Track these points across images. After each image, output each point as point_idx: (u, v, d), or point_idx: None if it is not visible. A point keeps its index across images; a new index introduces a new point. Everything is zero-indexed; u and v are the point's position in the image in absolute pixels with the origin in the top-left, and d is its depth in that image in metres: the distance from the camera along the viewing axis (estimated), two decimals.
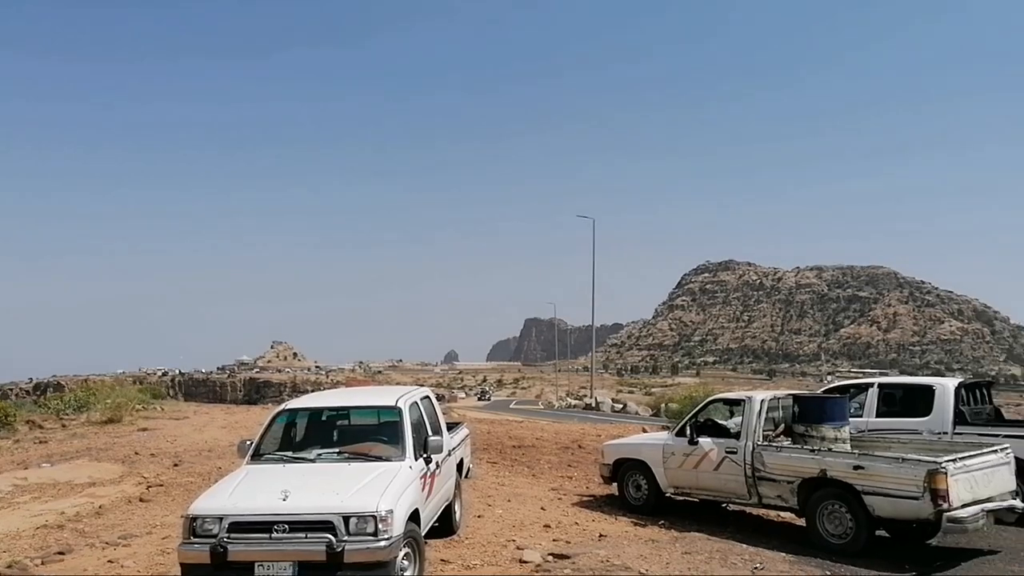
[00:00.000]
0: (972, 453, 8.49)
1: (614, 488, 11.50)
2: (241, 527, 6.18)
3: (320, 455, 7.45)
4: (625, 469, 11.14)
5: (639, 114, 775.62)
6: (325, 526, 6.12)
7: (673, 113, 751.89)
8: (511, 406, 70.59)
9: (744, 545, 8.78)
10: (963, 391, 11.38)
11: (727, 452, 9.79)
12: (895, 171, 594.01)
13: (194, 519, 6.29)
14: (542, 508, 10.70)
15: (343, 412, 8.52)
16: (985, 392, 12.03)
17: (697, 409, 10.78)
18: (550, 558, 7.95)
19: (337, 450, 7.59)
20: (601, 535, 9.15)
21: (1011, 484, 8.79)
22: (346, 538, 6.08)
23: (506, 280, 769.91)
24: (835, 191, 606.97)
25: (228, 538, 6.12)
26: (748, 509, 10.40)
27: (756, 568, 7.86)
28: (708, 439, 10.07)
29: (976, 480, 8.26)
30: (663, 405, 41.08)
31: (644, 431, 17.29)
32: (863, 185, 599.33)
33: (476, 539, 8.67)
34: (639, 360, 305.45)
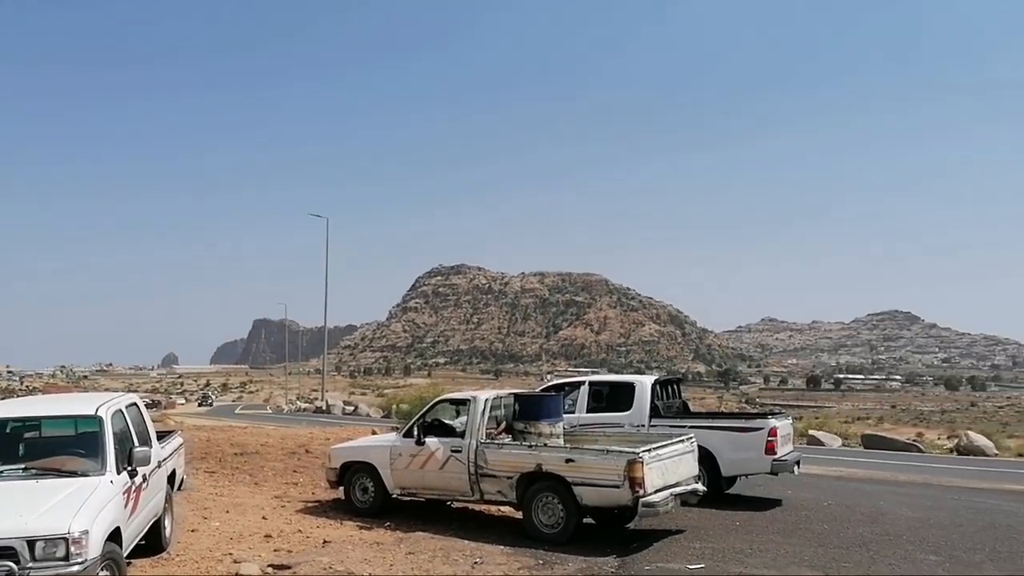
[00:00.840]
0: (663, 443, 9.45)
1: (341, 492, 11.35)
2: None
3: (2, 473, 6.57)
4: (352, 472, 11.04)
5: (380, 124, 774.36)
6: (5, 552, 5.42)
7: (405, 124, 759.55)
8: (236, 411, 67.11)
9: (466, 541, 9.09)
10: (658, 387, 12.72)
11: (452, 451, 10.05)
12: (603, 186, 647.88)
13: None
14: (264, 517, 10.27)
15: (32, 423, 7.53)
16: (676, 388, 13.55)
17: (425, 410, 10.96)
18: (269, 569, 7.68)
19: (23, 466, 6.72)
20: (325, 541, 8.99)
21: (695, 470, 9.94)
22: (31, 565, 5.42)
23: (233, 279, 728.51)
24: (554, 202, 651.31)
25: None
26: (471, 506, 10.77)
27: (476, 563, 8.18)
28: (435, 439, 10.25)
29: (666, 467, 9.21)
30: (394, 406, 41.30)
31: (374, 433, 17.26)
32: (580, 198, 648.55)
33: (188, 555, 8.12)
34: (372, 362, 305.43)
